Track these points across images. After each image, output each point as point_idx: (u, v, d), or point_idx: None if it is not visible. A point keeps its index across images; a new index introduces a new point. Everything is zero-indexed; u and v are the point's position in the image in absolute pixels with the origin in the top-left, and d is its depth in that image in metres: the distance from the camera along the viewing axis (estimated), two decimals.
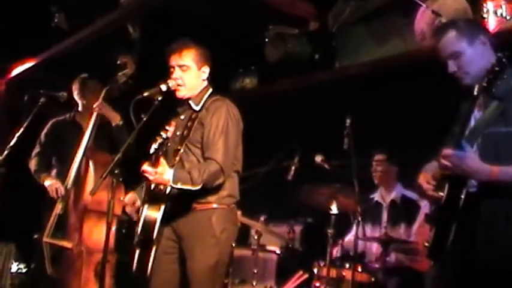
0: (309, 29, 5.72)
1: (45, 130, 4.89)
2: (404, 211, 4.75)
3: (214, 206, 3.35)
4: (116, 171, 3.18)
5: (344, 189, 4.42)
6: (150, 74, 4.11)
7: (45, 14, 5.88)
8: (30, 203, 5.32)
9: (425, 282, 2.89)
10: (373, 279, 4.29)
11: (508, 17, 4.28)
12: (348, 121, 4.32)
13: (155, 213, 3.27)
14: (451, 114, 2.82)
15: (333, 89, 5.58)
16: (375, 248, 4.77)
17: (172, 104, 3.48)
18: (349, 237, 4.79)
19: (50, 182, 4.62)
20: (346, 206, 4.48)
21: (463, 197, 2.52)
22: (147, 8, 5.44)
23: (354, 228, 4.41)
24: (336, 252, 4.69)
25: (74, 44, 5.92)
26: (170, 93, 3.38)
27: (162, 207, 3.27)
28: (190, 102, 3.47)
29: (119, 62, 4.46)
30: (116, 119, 4.49)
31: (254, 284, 4.74)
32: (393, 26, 5.13)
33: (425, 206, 4.36)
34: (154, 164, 3.16)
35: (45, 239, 4.33)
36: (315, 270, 4.50)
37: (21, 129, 4.20)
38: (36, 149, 4.85)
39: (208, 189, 3.32)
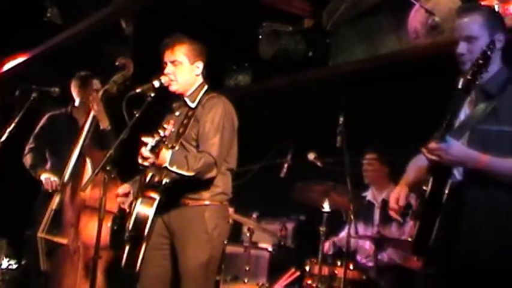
0: (303, 26, 5.72)
1: (40, 123, 4.89)
2: None
3: (207, 202, 3.36)
4: (108, 168, 3.18)
5: (337, 187, 4.42)
6: (143, 69, 4.10)
7: (38, 8, 5.85)
8: (21, 199, 5.32)
9: (417, 280, 2.90)
10: (364, 277, 4.31)
11: None
12: (341, 119, 4.32)
13: (148, 210, 3.26)
14: (445, 113, 2.82)
15: (327, 87, 5.58)
16: (367, 246, 4.78)
17: (166, 100, 3.47)
18: (342, 235, 4.79)
19: (46, 176, 4.61)
20: (338, 204, 4.49)
21: (446, 191, 2.51)
22: (141, 3, 5.42)
23: (347, 225, 4.41)
24: (328, 248, 4.69)
25: (67, 38, 5.89)
26: (164, 89, 3.36)
27: (155, 203, 3.26)
28: (185, 99, 3.47)
29: (117, 63, 4.43)
30: (104, 124, 4.49)
31: (246, 281, 4.75)
32: (387, 24, 5.12)
33: None
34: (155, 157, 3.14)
35: (40, 235, 4.31)
36: (307, 268, 4.50)
37: (13, 124, 4.17)
38: (31, 144, 4.84)
39: (202, 185, 3.32)
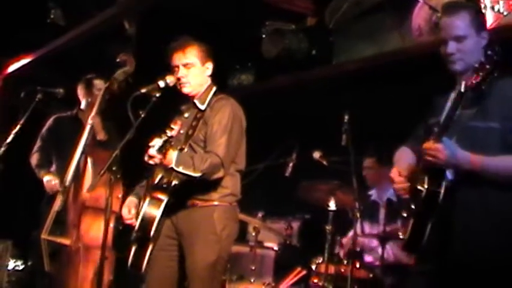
0: (306, 24, 5.72)
1: (47, 125, 4.91)
2: (401, 209, 4.73)
3: (216, 203, 3.35)
4: (114, 168, 3.18)
5: (342, 186, 4.41)
6: (146, 69, 4.10)
7: (41, 10, 5.86)
8: (27, 200, 5.33)
9: (410, 278, 2.92)
10: (371, 276, 4.29)
11: (505, 13, 4.27)
12: (346, 117, 4.31)
13: (155, 211, 3.25)
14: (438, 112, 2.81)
15: (331, 85, 5.58)
16: (374, 244, 4.77)
17: (171, 100, 3.47)
18: (348, 237, 4.78)
19: (47, 178, 4.63)
20: (344, 203, 4.48)
21: (442, 191, 2.51)
22: (144, 4, 5.42)
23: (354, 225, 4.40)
24: (343, 251, 4.67)
25: (71, 40, 5.89)
26: (169, 89, 3.36)
27: (163, 204, 3.26)
28: (195, 101, 3.46)
29: (118, 60, 4.44)
30: (100, 135, 4.50)
31: (252, 280, 4.74)
32: (390, 22, 5.12)
33: None
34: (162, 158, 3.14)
35: (43, 236, 4.32)
36: (313, 267, 4.49)
37: (18, 126, 4.19)
38: (38, 144, 4.87)
39: (210, 187, 3.32)
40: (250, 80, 6.34)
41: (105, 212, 3.22)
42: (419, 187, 2.56)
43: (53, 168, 4.81)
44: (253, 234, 4.91)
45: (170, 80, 3.35)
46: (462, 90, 2.47)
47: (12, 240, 6.14)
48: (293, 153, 4.87)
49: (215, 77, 3.59)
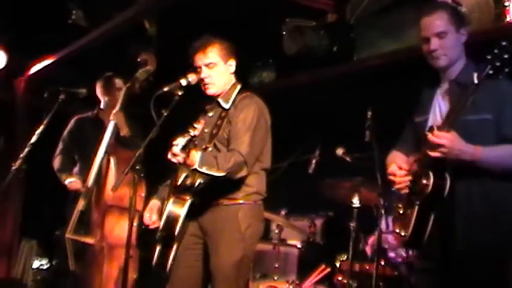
0: (327, 21, 5.68)
1: (68, 127, 4.94)
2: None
3: (241, 201, 3.34)
4: (138, 167, 3.18)
5: (366, 182, 4.37)
6: (167, 69, 4.11)
7: (62, 11, 5.90)
8: (52, 199, 5.37)
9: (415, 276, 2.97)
10: (396, 273, 4.26)
11: None
12: (369, 113, 4.28)
13: (179, 210, 3.26)
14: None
15: (352, 81, 5.54)
16: (390, 239, 4.72)
17: (194, 99, 3.46)
18: (373, 237, 4.74)
19: (70, 180, 4.67)
20: (368, 199, 4.44)
21: (448, 183, 2.59)
22: (165, 3, 5.43)
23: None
24: (370, 250, 4.64)
25: (92, 40, 5.93)
26: (191, 88, 3.36)
27: (188, 203, 3.26)
28: (219, 100, 3.45)
29: (139, 59, 4.45)
30: (123, 131, 4.52)
31: (276, 278, 4.73)
32: (412, 17, 5.06)
33: None
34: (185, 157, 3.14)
35: (67, 235, 4.35)
36: (337, 264, 4.47)
37: (42, 127, 4.22)
38: (60, 147, 4.90)
39: (235, 185, 3.31)
40: (271, 78, 6.33)
41: (129, 211, 3.22)
42: (424, 181, 2.62)
43: (76, 169, 4.85)
44: (277, 231, 4.91)
45: (192, 78, 3.35)
46: (476, 81, 2.52)
47: (37, 239, 6.21)
48: (316, 150, 4.85)
49: (236, 74, 3.57)
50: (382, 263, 4.22)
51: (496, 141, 2.66)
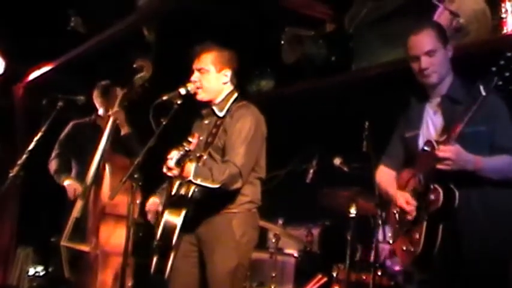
0: (326, 30, 5.69)
1: (65, 131, 4.94)
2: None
3: (235, 210, 3.35)
4: (136, 176, 3.18)
5: (363, 192, 4.37)
6: (166, 76, 4.11)
7: (62, 17, 5.91)
8: (48, 206, 5.35)
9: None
10: (392, 283, 4.26)
11: None
12: (367, 123, 4.29)
13: (176, 219, 3.26)
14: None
15: (351, 91, 5.54)
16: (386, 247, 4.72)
17: (193, 108, 3.47)
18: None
19: (68, 182, 4.65)
20: (365, 209, 4.45)
21: (457, 196, 2.62)
22: (164, 11, 5.44)
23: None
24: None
25: (91, 47, 5.93)
26: (190, 97, 3.36)
27: (183, 212, 3.26)
28: (214, 108, 3.45)
29: (135, 66, 4.46)
30: (124, 130, 4.52)
31: (272, 287, 4.73)
32: (410, 26, 5.07)
33: None
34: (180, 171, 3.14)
35: (62, 243, 4.34)
36: (334, 274, 4.47)
37: (40, 133, 4.21)
38: (56, 150, 4.89)
39: (229, 195, 3.31)
40: (269, 86, 6.33)
41: (127, 219, 3.22)
42: (432, 196, 2.66)
43: (73, 174, 4.84)
44: (274, 241, 4.91)
45: (191, 87, 3.37)
46: (483, 93, 2.55)
47: (33, 246, 6.19)
48: (313, 160, 4.85)
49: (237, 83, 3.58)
50: (379, 273, 4.22)
51: (489, 152, 2.73)
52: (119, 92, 4.77)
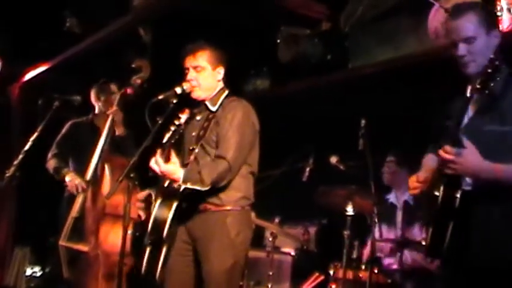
0: (321, 29, 5.70)
1: (63, 131, 4.94)
2: (417, 211, 4.71)
3: (229, 208, 3.34)
4: (132, 175, 3.18)
5: (360, 191, 4.38)
6: (162, 76, 4.12)
7: (57, 18, 5.90)
8: (45, 207, 5.35)
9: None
10: (389, 281, 4.26)
11: None
12: (363, 122, 4.30)
13: (166, 212, 3.27)
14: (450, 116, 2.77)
15: (346, 90, 5.55)
16: (387, 246, 4.74)
17: (189, 107, 3.48)
18: (367, 248, 4.75)
19: (70, 178, 4.65)
20: (362, 207, 4.46)
21: (458, 196, 2.48)
22: (160, 11, 5.44)
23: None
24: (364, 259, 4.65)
25: (87, 47, 5.93)
26: (186, 96, 3.38)
27: (174, 205, 3.27)
28: (206, 103, 3.48)
29: (133, 66, 4.46)
30: (119, 130, 4.53)
31: (269, 286, 4.73)
32: (406, 25, 5.09)
33: None
34: (166, 155, 3.18)
35: (61, 242, 4.34)
36: (331, 272, 4.47)
37: (36, 134, 4.21)
38: (54, 150, 4.90)
39: (222, 190, 3.32)
40: (265, 85, 6.34)
41: (123, 218, 3.22)
42: (436, 193, 2.54)
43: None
44: (271, 239, 4.90)
45: (187, 86, 3.38)
46: (468, 94, 2.47)
47: (30, 246, 6.18)
48: (310, 158, 4.86)
49: (230, 82, 3.59)
50: (376, 270, 4.23)
51: None
52: (115, 89, 4.79)
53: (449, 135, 2.51)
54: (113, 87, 4.84)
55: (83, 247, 4.31)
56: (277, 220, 5.07)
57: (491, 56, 2.41)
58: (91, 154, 4.49)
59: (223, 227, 3.31)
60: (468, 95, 2.47)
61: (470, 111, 2.63)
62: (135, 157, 3.17)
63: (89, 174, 4.46)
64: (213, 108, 3.46)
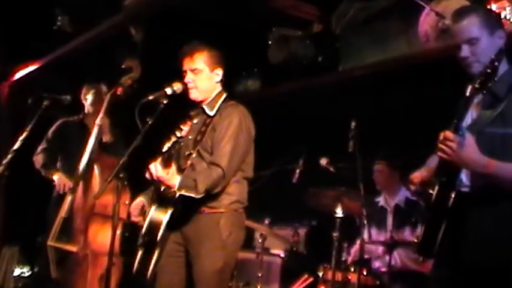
0: (313, 31, 5.71)
1: (53, 128, 4.94)
2: (409, 214, 4.73)
3: (222, 210, 3.35)
4: (121, 175, 3.17)
5: (349, 192, 4.40)
6: (152, 76, 4.11)
7: (48, 16, 5.88)
8: (33, 206, 5.33)
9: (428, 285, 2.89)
10: (378, 283, 4.28)
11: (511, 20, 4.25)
12: (353, 124, 4.31)
13: (161, 216, 3.27)
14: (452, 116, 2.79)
15: (337, 92, 5.56)
16: (380, 251, 4.75)
17: (179, 107, 3.47)
18: (356, 246, 4.76)
19: (58, 177, 4.63)
20: (351, 209, 4.47)
21: (452, 196, 2.49)
22: (151, 10, 5.43)
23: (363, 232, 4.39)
24: (354, 254, 4.66)
25: (78, 46, 5.91)
26: (176, 96, 3.36)
27: (170, 210, 3.27)
28: (204, 106, 3.47)
29: (124, 66, 4.45)
30: (106, 137, 4.53)
31: (259, 287, 4.75)
32: (397, 27, 5.11)
33: None
34: (166, 164, 3.17)
35: (49, 243, 4.31)
36: (320, 274, 4.48)
37: (25, 133, 4.19)
38: (43, 145, 4.89)
39: (217, 194, 3.32)
40: (256, 86, 6.34)
41: (112, 218, 3.21)
42: (430, 191, 2.56)
43: None
44: (260, 240, 4.92)
45: (177, 87, 3.36)
46: (468, 94, 2.46)
47: (19, 246, 6.14)
48: (300, 160, 4.87)
49: (221, 82, 3.59)
50: (365, 273, 4.24)
51: None
52: (104, 89, 4.78)
53: (452, 125, 2.49)
54: (103, 87, 4.82)
55: (71, 247, 4.30)
56: (266, 221, 5.08)
57: (492, 57, 2.42)
58: (80, 153, 4.47)
59: (215, 228, 3.32)
60: (468, 94, 2.46)
61: (473, 113, 2.64)
62: (125, 157, 3.16)
63: (78, 174, 4.44)
64: (211, 113, 3.44)
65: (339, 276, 4.31)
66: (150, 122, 3.20)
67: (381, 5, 5.14)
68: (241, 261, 4.83)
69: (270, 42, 5.74)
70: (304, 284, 4.88)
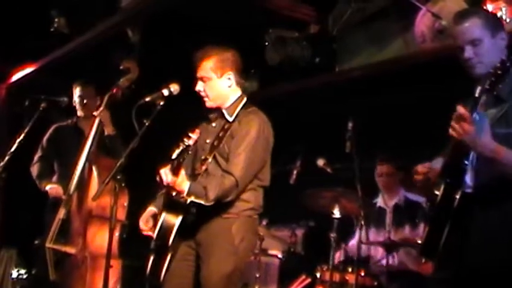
0: (310, 32, 5.72)
1: (47, 135, 4.91)
2: (408, 213, 4.74)
3: (236, 215, 3.30)
4: (119, 177, 3.17)
5: (347, 193, 4.39)
6: (149, 77, 4.11)
7: (45, 18, 5.88)
8: (31, 208, 5.32)
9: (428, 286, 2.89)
10: (376, 283, 4.28)
11: (507, 20, 4.27)
12: (350, 124, 4.31)
13: (173, 220, 3.24)
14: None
15: (334, 92, 5.58)
16: (379, 253, 4.75)
17: (176, 109, 3.46)
18: (352, 242, 4.77)
19: (50, 186, 4.63)
20: (348, 210, 4.47)
21: (457, 197, 2.50)
22: (148, 12, 5.43)
23: (357, 232, 4.39)
24: (339, 256, 4.67)
25: (75, 48, 5.91)
26: (173, 98, 3.36)
27: (181, 215, 3.24)
28: (224, 111, 3.39)
29: (122, 67, 4.44)
30: (108, 130, 4.50)
31: None
32: (393, 28, 5.13)
33: None
34: (175, 171, 3.13)
35: (47, 245, 4.30)
36: (318, 275, 4.48)
37: (22, 135, 4.19)
38: (38, 154, 4.87)
39: (231, 201, 3.27)
40: (253, 87, 6.33)
41: (110, 220, 3.21)
42: (435, 192, 2.56)
43: (55, 177, 4.82)
44: (258, 241, 4.90)
45: (174, 88, 3.34)
46: (477, 95, 2.47)
47: (17, 248, 6.14)
48: (297, 161, 4.87)
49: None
50: (363, 273, 4.25)
51: None
52: (96, 91, 4.77)
53: (469, 106, 2.49)
54: (93, 88, 4.82)
55: (69, 249, 4.29)
56: (264, 222, 5.07)
57: (503, 58, 2.43)
58: (76, 158, 4.46)
59: (228, 233, 3.27)
60: (477, 95, 2.46)
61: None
62: (122, 159, 3.16)
63: (74, 180, 4.43)
64: (230, 119, 3.36)
65: (336, 277, 4.31)
66: (147, 124, 3.19)
67: (377, 6, 5.15)
68: None
69: (267, 44, 5.74)
70: (302, 285, 4.88)
